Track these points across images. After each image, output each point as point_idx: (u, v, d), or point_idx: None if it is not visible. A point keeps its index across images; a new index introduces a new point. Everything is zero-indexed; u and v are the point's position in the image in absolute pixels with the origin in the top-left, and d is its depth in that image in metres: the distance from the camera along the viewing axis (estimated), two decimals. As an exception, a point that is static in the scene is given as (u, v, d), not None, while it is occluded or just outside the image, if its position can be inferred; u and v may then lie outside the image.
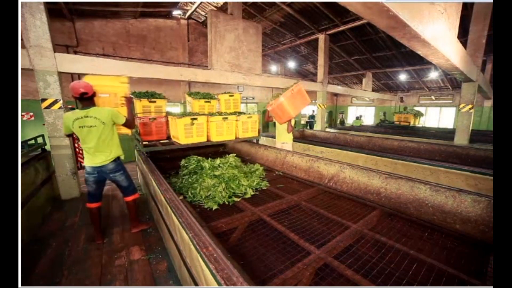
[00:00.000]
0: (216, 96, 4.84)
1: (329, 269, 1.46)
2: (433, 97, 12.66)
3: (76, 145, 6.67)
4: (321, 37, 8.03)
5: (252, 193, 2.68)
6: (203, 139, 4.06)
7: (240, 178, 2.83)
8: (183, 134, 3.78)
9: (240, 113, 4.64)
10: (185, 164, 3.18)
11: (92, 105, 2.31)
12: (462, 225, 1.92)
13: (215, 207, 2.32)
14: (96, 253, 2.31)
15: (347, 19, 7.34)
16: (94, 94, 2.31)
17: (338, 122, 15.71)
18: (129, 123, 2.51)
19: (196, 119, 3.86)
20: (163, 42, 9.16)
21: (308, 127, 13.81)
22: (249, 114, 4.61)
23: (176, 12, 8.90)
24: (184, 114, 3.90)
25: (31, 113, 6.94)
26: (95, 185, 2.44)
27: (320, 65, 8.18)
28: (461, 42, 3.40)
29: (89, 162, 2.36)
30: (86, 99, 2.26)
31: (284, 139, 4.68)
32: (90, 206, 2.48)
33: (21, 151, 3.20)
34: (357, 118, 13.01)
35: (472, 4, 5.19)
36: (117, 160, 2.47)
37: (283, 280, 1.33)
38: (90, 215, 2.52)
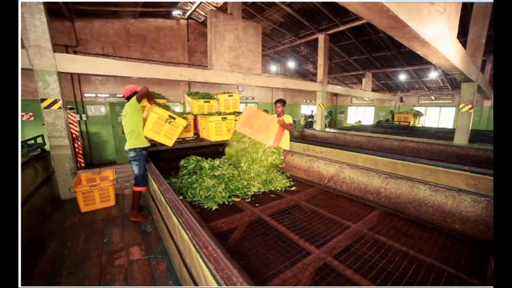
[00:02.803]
0: (215, 96, 4.85)
1: (329, 269, 1.46)
2: (432, 97, 12.66)
3: (76, 145, 6.69)
4: (321, 37, 8.03)
5: (252, 193, 2.68)
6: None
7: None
8: (214, 132, 4.13)
9: (239, 113, 4.64)
10: (185, 165, 3.18)
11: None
12: (462, 225, 1.93)
13: (215, 207, 2.32)
14: (95, 253, 2.31)
15: (347, 19, 7.34)
16: (131, 95, 2.91)
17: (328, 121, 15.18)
18: (142, 93, 2.90)
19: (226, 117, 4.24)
20: (163, 42, 9.14)
21: (307, 127, 13.84)
22: (248, 114, 4.62)
23: (175, 12, 8.89)
24: (211, 114, 4.35)
25: (31, 113, 6.93)
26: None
27: (320, 65, 8.17)
28: (460, 42, 3.40)
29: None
30: (127, 99, 2.97)
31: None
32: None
33: (21, 151, 3.20)
34: (359, 121, 14.22)
35: (471, 4, 5.19)
36: (136, 150, 2.87)
37: (283, 280, 1.33)
38: None
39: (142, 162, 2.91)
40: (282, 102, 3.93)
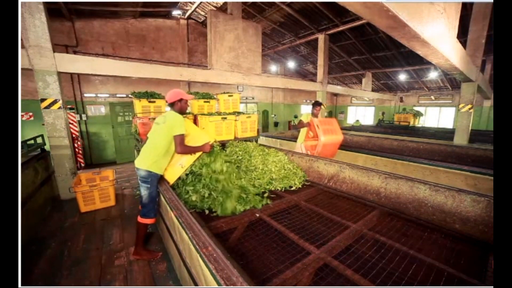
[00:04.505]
0: (215, 96, 4.85)
1: (328, 269, 1.46)
2: (432, 97, 12.66)
3: (76, 145, 6.68)
4: (321, 37, 8.03)
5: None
6: (231, 136, 4.40)
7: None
8: (214, 132, 4.10)
9: (239, 113, 4.65)
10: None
11: (173, 109, 2.39)
12: (462, 225, 1.93)
13: (215, 207, 2.31)
14: (95, 253, 2.31)
15: (347, 19, 7.33)
16: (175, 102, 2.37)
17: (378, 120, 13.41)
18: (181, 143, 2.21)
19: (225, 118, 4.24)
20: (163, 42, 9.13)
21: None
22: (248, 114, 4.63)
23: (175, 12, 8.88)
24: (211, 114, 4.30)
25: (31, 113, 6.92)
26: None
27: (319, 65, 8.17)
28: (460, 42, 3.40)
29: None
30: (169, 105, 2.45)
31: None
32: None
33: (21, 151, 3.20)
34: (357, 120, 13.89)
35: (471, 4, 5.19)
36: (151, 172, 2.20)
37: (283, 280, 1.33)
38: None
39: (155, 185, 2.24)
40: (320, 104, 4.44)
